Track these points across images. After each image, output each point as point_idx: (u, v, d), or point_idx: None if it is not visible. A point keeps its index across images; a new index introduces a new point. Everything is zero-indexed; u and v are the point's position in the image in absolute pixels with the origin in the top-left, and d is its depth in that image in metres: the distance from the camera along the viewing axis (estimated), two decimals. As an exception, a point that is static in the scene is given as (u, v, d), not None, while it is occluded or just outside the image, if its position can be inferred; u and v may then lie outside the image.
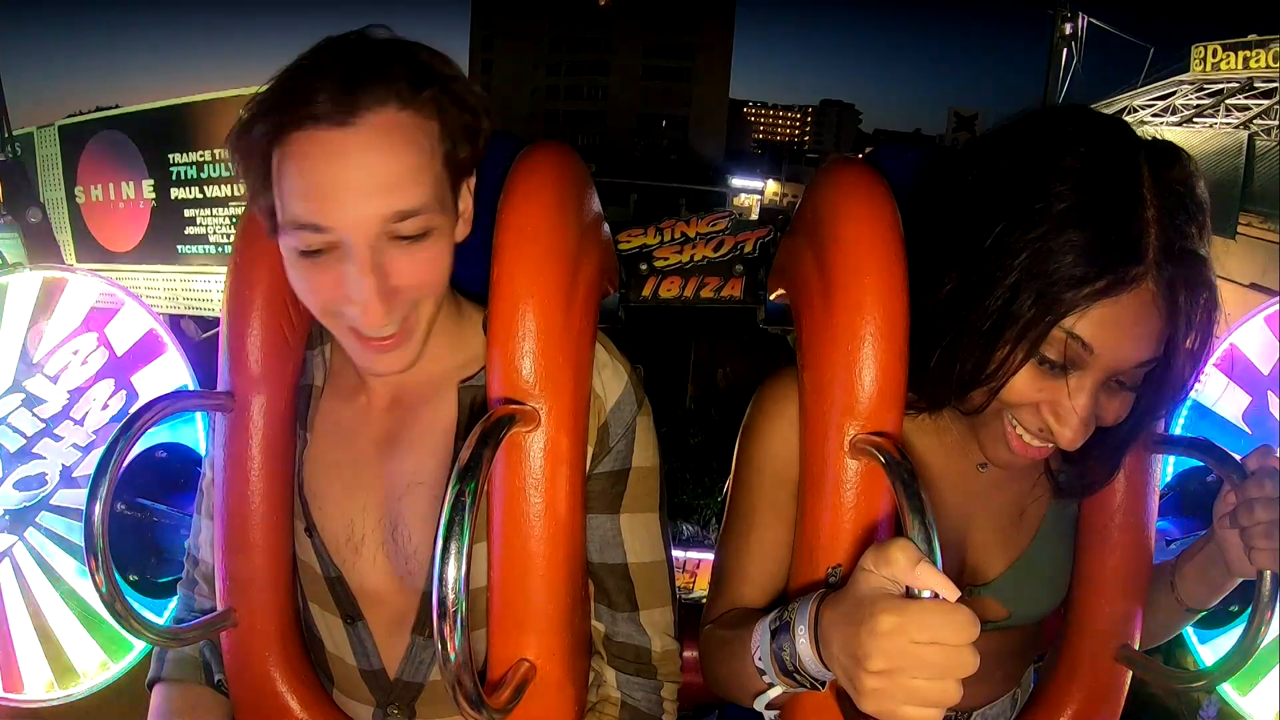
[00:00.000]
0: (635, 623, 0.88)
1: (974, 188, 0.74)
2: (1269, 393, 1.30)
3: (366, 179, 0.69)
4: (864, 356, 0.74)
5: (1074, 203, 0.68)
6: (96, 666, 1.45)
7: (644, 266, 1.19)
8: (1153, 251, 0.67)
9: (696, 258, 1.20)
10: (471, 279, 0.90)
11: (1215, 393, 1.31)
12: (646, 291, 1.20)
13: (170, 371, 1.45)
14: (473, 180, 0.82)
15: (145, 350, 1.47)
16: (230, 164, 0.76)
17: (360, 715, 0.93)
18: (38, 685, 1.45)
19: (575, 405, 0.79)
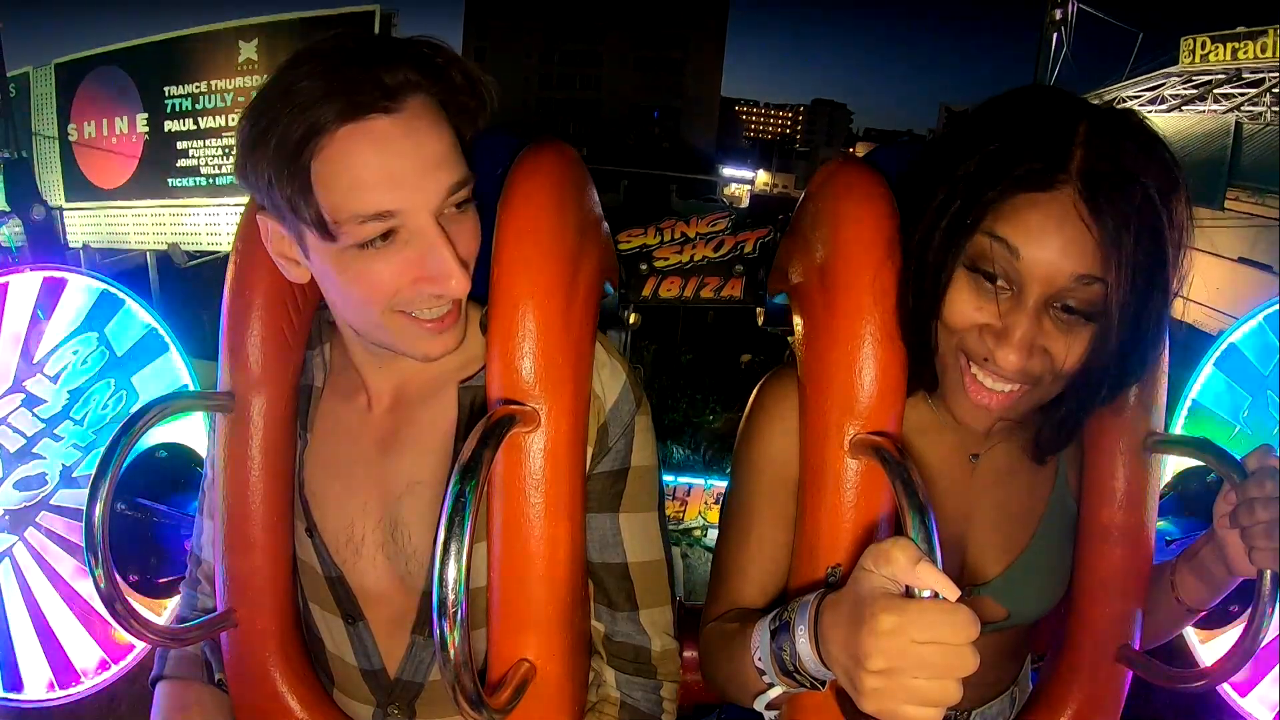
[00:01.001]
0: (635, 622, 0.88)
1: (931, 152, 0.78)
2: (1269, 393, 1.30)
3: (422, 159, 0.72)
4: (864, 356, 0.74)
5: (1010, 141, 0.71)
6: (96, 666, 1.45)
7: (644, 266, 1.19)
8: (1077, 163, 0.69)
9: (696, 258, 1.19)
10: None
11: (1215, 393, 1.31)
12: (646, 291, 1.20)
13: (170, 371, 1.45)
14: None
15: (145, 350, 1.47)
16: (242, 164, 0.75)
17: (360, 715, 0.93)
18: (38, 685, 1.45)
19: (575, 405, 0.79)
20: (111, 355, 1.47)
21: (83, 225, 8.32)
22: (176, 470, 1.38)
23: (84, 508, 0.75)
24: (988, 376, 0.75)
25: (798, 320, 0.84)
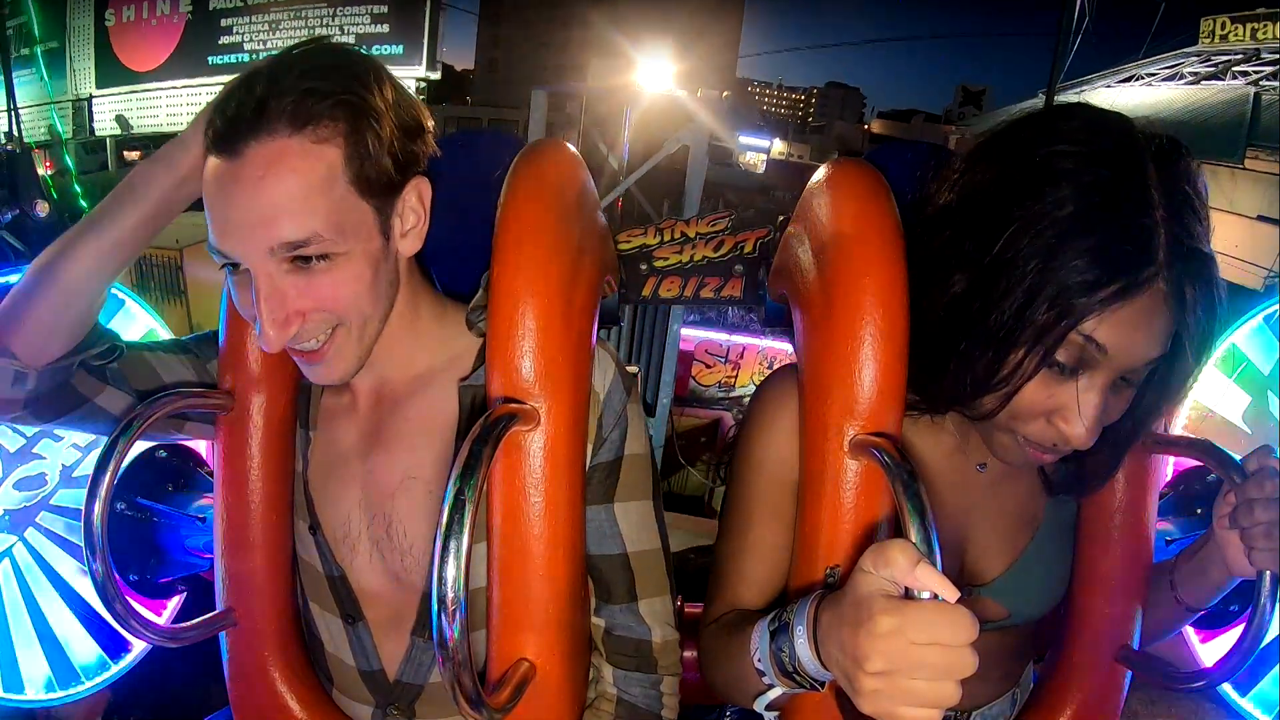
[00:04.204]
0: (635, 613, 0.88)
1: (978, 190, 0.74)
2: (1269, 393, 1.30)
3: (250, 212, 0.71)
4: (864, 356, 0.73)
5: (1081, 206, 0.67)
6: (96, 666, 1.45)
7: (644, 266, 1.18)
8: (1163, 252, 0.66)
9: (696, 258, 1.19)
10: (462, 276, 0.91)
11: (1215, 392, 1.31)
12: (646, 291, 1.19)
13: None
14: (422, 189, 0.81)
15: (145, 350, 1.46)
16: None
17: (360, 715, 0.93)
18: (38, 685, 1.45)
19: (575, 404, 0.79)
20: (111, 355, 1.46)
21: (112, 109, 8.35)
22: (176, 470, 1.38)
23: (84, 508, 0.75)
24: (1046, 451, 0.76)
25: (797, 320, 0.84)
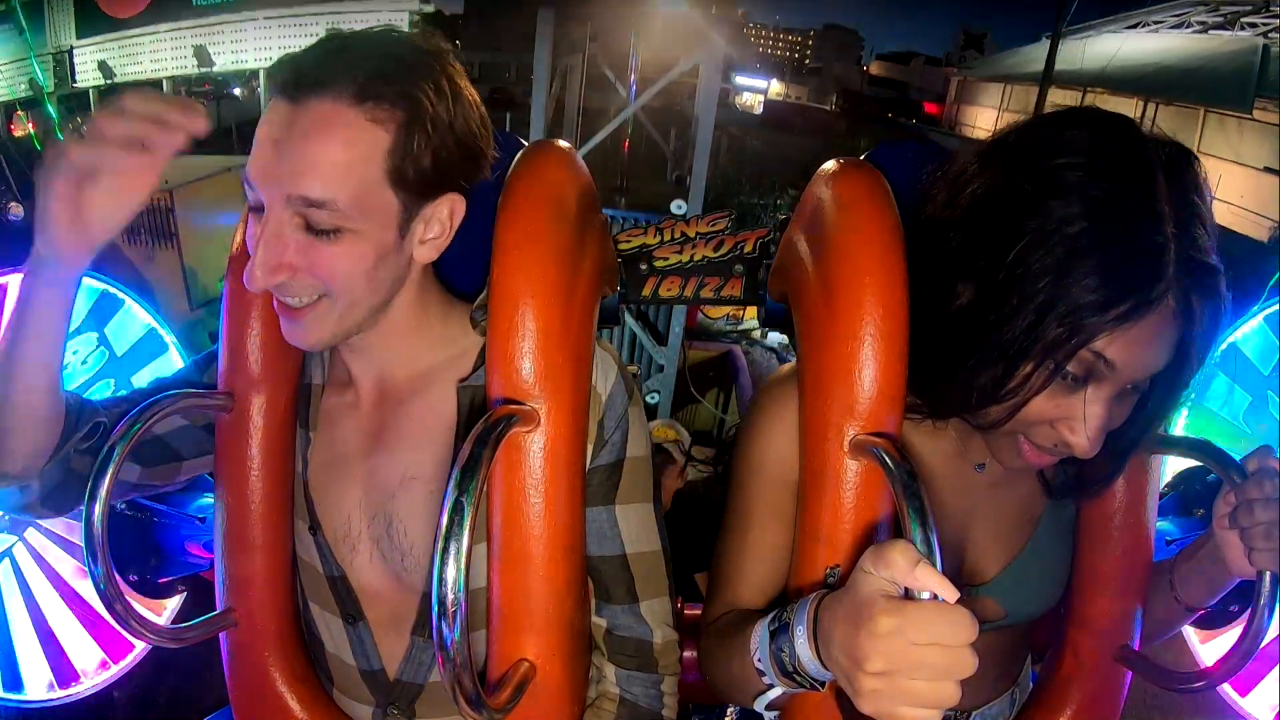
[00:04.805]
0: (636, 614, 0.88)
1: (984, 200, 0.73)
2: (1269, 393, 1.30)
3: (287, 158, 0.72)
4: (864, 356, 0.73)
5: (1092, 223, 0.67)
6: (96, 666, 1.45)
7: (644, 266, 1.18)
8: (1172, 268, 0.66)
9: (696, 257, 1.19)
10: (464, 276, 0.91)
11: (1215, 393, 1.31)
12: (646, 291, 1.19)
13: (170, 371, 1.45)
14: (456, 207, 0.80)
15: (145, 350, 1.47)
16: None
17: (360, 715, 0.93)
18: (38, 685, 1.45)
19: (575, 405, 0.79)
20: (111, 355, 1.47)
21: (94, 60, 8.15)
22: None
23: (84, 508, 0.75)
24: (1049, 454, 0.76)
25: (797, 320, 0.84)
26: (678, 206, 5.06)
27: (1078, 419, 0.72)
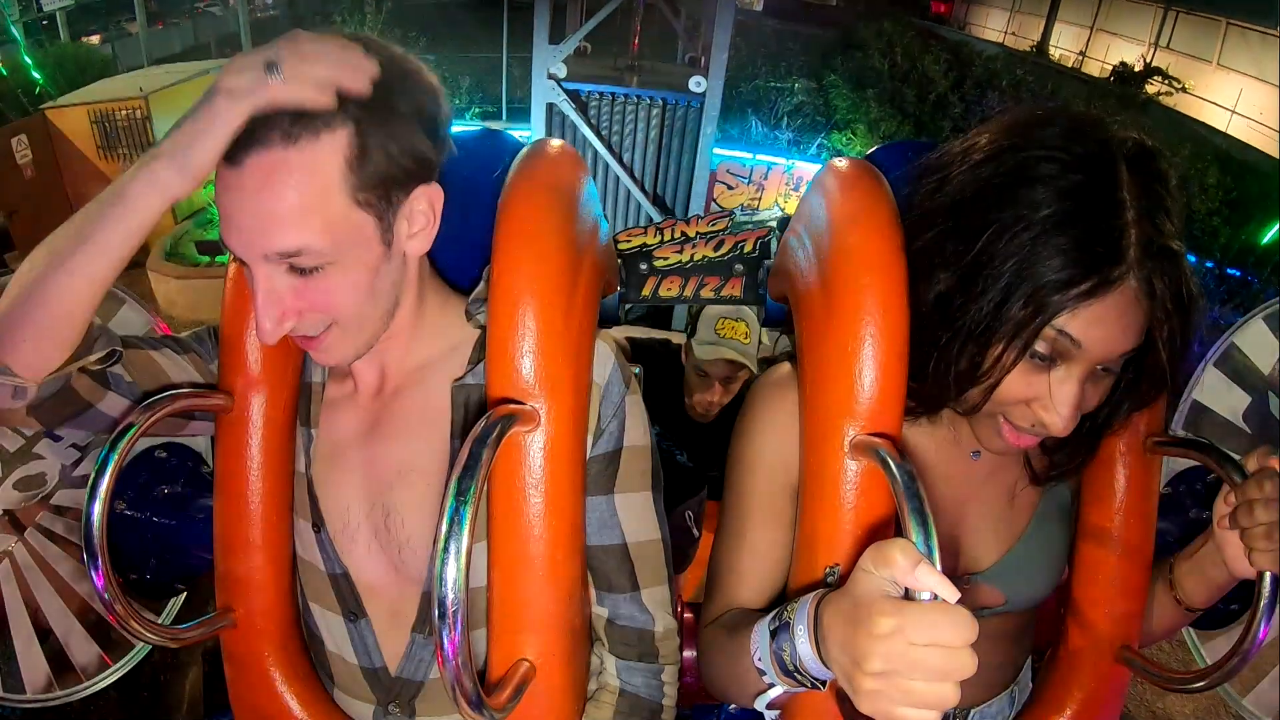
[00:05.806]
0: (638, 602, 0.88)
1: (961, 193, 0.77)
2: (1269, 393, 1.30)
3: (249, 218, 0.71)
4: (864, 356, 0.74)
5: (1057, 209, 0.71)
6: (96, 666, 1.45)
7: (644, 266, 1.18)
8: (1133, 251, 0.70)
9: (696, 257, 1.19)
10: (460, 271, 0.91)
11: (1215, 393, 1.31)
12: (646, 291, 1.19)
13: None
14: (433, 196, 0.79)
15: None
16: None
17: (360, 714, 0.93)
18: (38, 685, 1.45)
19: (575, 405, 0.79)
20: (111, 355, 1.46)
21: None
22: (176, 470, 1.38)
23: (84, 508, 0.75)
24: (1027, 433, 0.79)
25: (797, 320, 0.84)
26: (696, 84, 4.88)
27: (1051, 398, 0.75)
